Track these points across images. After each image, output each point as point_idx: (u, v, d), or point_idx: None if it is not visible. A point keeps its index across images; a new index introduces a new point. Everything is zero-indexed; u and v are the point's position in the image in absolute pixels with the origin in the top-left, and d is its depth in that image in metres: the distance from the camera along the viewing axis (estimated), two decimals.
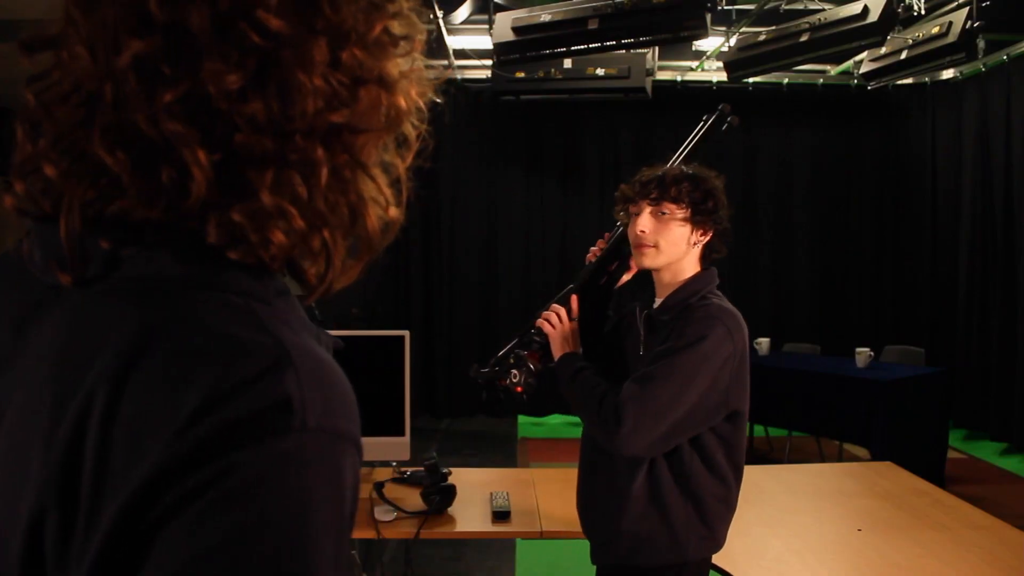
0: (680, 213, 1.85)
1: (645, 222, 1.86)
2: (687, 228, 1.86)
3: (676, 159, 2.03)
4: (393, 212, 0.59)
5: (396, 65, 0.58)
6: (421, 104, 0.60)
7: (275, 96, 0.52)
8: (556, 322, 1.97)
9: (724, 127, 2.10)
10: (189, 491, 0.47)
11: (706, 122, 2.12)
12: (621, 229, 1.99)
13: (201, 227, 0.54)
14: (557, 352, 1.95)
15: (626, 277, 2.05)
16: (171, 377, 0.50)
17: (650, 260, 1.88)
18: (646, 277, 2.00)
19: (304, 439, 0.49)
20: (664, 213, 1.85)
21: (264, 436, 0.48)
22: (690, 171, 1.88)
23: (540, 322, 1.99)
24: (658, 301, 1.93)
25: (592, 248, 2.06)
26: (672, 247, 1.86)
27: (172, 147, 0.51)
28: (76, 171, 0.54)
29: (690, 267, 1.90)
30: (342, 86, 0.54)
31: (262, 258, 0.55)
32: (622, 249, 2.00)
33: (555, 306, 2.01)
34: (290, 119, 0.53)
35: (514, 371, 1.89)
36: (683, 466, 1.84)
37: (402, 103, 0.58)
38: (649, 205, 1.86)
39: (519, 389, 1.88)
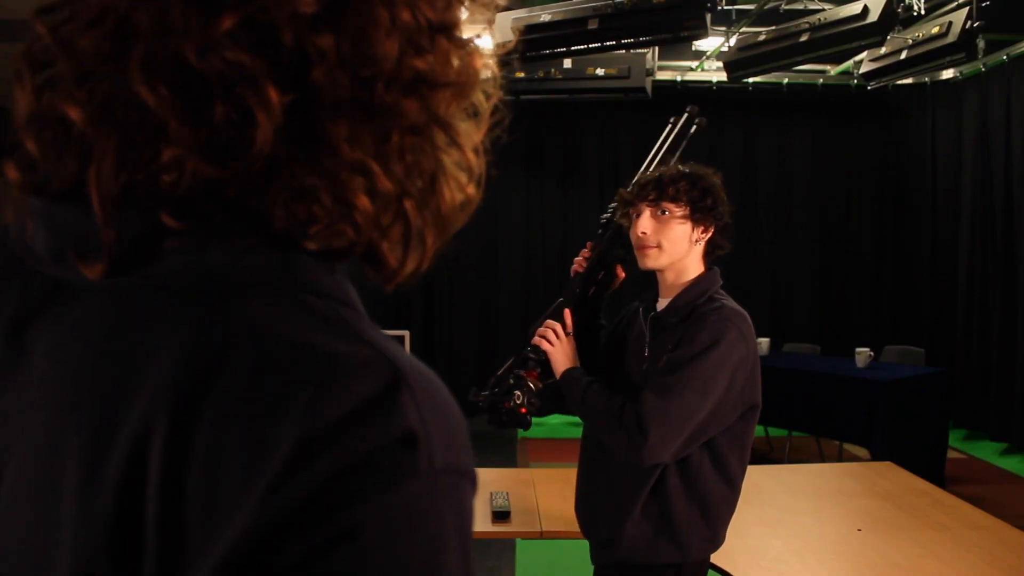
0: (679, 211, 1.85)
1: (646, 223, 1.86)
2: (688, 226, 1.86)
3: (648, 166, 2.01)
4: (471, 189, 0.51)
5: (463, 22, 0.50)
6: (494, 69, 0.52)
7: (353, 32, 0.43)
8: (553, 338, 1.94)
9: (692, 129, 2.08)
10: (299, 559, 0.38)
11: (674, 125, 2.10)
12: (608, 235, 1.98)
13: (263, 203, 0.44)
14: (559, 368, 1.92)
15: (615, 284, 2.05)
16: (254, 405, 0.39)
17: (653, 261, 1.88)
18: (647, 276, 1.99)
19: (433, 483, 0.41)
20: (664, 212, 1.85)
21: (389, 484, 0.40)
22: (686, 169, 1.88)
23: (537, 340, 1.95)
24: (663, 301, 1.92)
25: (576, 259, 2.03)
26: (674, 246, 1.86)
27: (231, 84, 0.41)
28: (107, 115, 0.42)
29: (694, 266, 1.90)
30: (423, 30, 0.46)
31: (342, 237, 0.45)
32: (606, 258, 1.99)
33: (550, 322, 1.97)
34: (370, 60, 0.44)
35: (516, 392, 1.84)
36: (692, 468, 1.84)
37: (476, 62, 0.50)
38: (648, 206, 1.86)
39: (524, 410, 1.84)
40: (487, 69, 0.51)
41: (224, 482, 0.39)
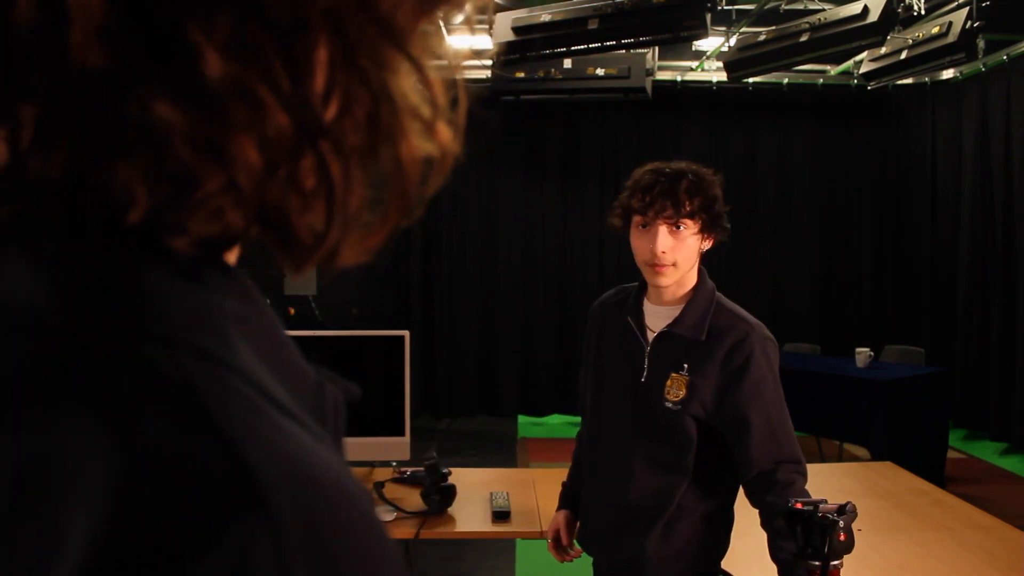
0: (695, 227, 1.80)
1: (664, 241, 1.78)
2: (699, 239, 1.82)
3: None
4: (443, 134, 0.34)
5: None
6: None
7: None
8: None
9: None
10: None
11: None
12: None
13: (95, 167, 0.29)
14: None
15: None
16: (19, 526, 0.26)
17: (668, 279, 1.81)
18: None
19: None
20: (679, 228, 1.78)
21: None
22: (695, 178, 1.80)
23: None
24: (663, 310, 1.87)
25: None
26: (687, 262, 1.82)
27: None
28: None
29: (692, 273, 1.87)
30: None
31: (215, 217, 0.30)
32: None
33: None
34: None
35: None
36: (710, 480, 1.86)
37: None
38: (665, 223, 1.78)
39: None
40: None
41: None
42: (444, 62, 0.35)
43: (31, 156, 0.29)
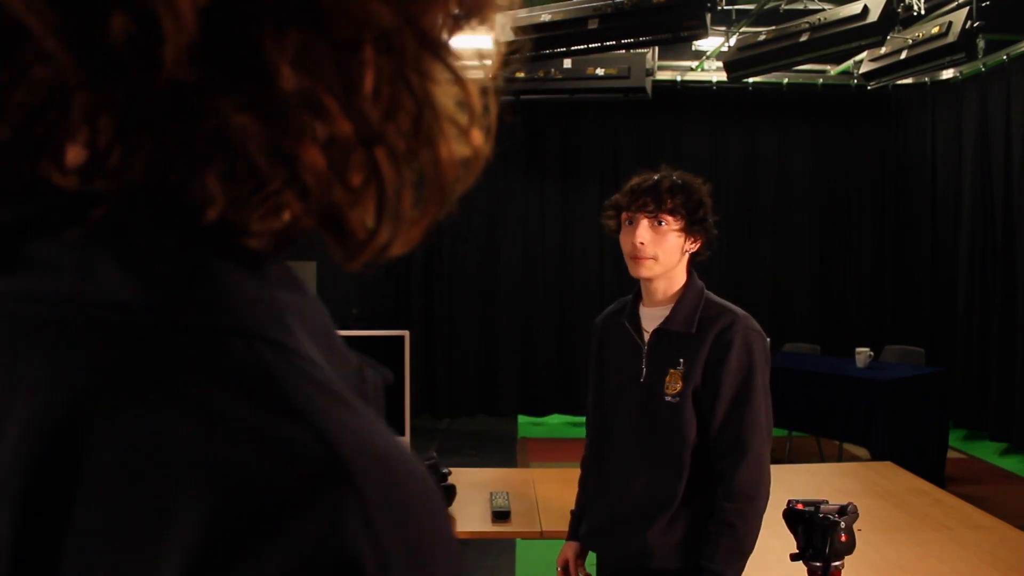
0: (676, 224, 1.88)
1: (644, 234, 1.88)
2: (682, 238, 1.90)
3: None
4: (476, 137, 0.37)
5: None
6: None
7: None
8: None
9: None
10: None
11: None
12: None
13: (179, 167, 0.32)
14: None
15: None
16: (127, 515, 0.28)
17: (648, 271, 1.90)
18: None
19: None
20: (661, 224, 1.88)
21: None
22: (681, 181, 1.91)
23: None
24: (655, 311, 1.95)
25: None
26: (668, 257, 1.89)
27: None
28: None
29: (681, 274, 1.94)
30: None
31: (279, 213, 0.33)
32: None
33: None
34: None
35: None
36: (714, 476, 1.87)
37: None
38: (646, 217, 1.88)
39: None
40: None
41: None
42: (477, 66, 0.38)
43: (110, 159, 0.31)
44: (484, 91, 0.37)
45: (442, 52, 0.35)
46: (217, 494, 0.28)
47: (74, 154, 0.31)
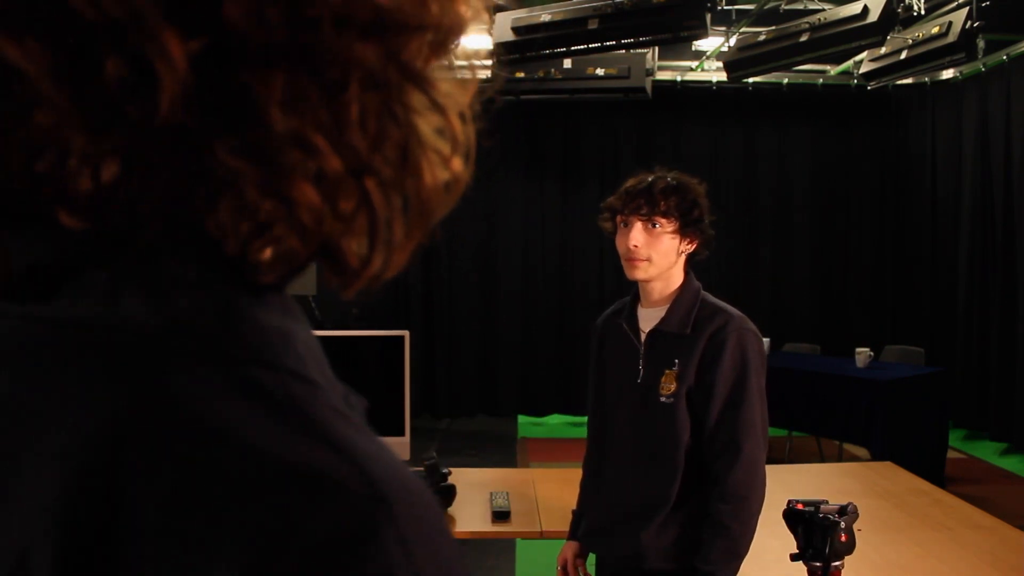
0: (670, 226, 1.88)
1: (637, 236, 1.88)
2: (676, 239, 1.90)
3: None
4: (458, 164, 0.39)
5: None
6: (481, 13, 0.40)
7: None
8: None
9: None
10: None
11: None
12: None
13: (188, 207, 0.33)
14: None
15: None
16: (176, 541, 0.29)
17: (643, 273, 1.91)
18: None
19: None
20: (655, 226, 1.88)
21: None
22: (675, 182, 1.91)
23: None
24: (652, 312, 1.95)
25: None
26: (663, 259, 1.89)
27: (119, 30, 0.30)
28: None
29: (677, 275, 1.95)
30: None
31: (283, 248, 0.35)
32: None
33: None
34: None
35: None
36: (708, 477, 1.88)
37: (461, 7, 0.38)
38: (640, 219, 1.88)
39: None
40: (474, 15, 0.39)
41: None
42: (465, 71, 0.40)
43: (119, 194, 0.32)
44: (462, 117, 0.39)
45: (423, 83, 0.36)
46: (276, 529, 0.29)
47: (84, 188, 0.32)
